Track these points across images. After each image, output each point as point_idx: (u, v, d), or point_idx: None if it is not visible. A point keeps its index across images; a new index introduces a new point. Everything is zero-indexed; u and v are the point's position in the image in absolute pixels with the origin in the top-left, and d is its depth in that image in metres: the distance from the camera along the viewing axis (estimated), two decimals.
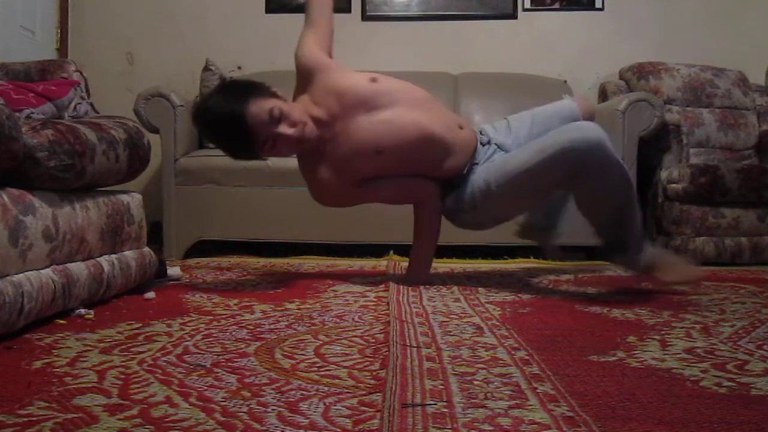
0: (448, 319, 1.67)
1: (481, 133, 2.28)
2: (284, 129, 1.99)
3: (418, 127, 2.12)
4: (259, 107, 1.97)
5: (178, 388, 1.10)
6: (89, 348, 1.38)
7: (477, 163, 2.20)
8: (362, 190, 2.19)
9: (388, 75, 2.13)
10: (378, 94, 2.12)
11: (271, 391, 1.09)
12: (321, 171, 2.14)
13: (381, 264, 2.93)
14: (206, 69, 3.42)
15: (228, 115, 1.96)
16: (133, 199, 2.11)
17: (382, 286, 2.19)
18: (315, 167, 2.15)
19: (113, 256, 1.95)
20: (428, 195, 2.23)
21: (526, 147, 2.10)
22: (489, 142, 2.25)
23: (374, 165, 2.13)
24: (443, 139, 2.15)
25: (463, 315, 1.73)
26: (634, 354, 1.34)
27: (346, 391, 1.10)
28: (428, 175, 2.21)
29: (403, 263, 2.42)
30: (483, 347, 1.38)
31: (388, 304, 1.87)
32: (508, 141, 2.25)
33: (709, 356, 1.33)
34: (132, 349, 1.37)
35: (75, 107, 2.28)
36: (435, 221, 2.27)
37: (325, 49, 2.20)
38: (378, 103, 2.11)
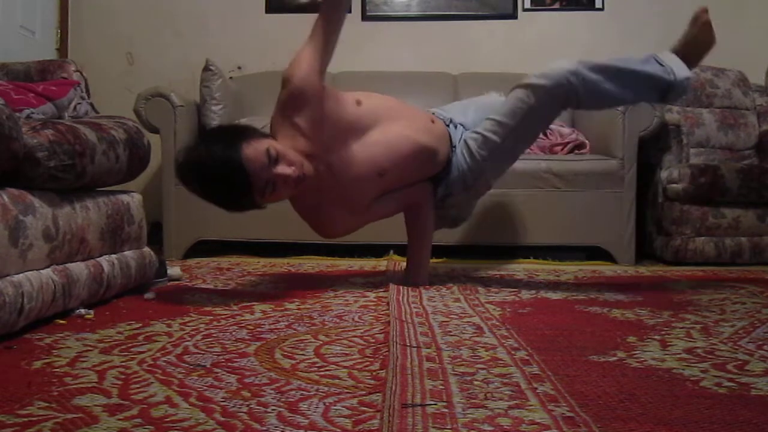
0: (448, 319, 1.67)
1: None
2: (284, 169, 1.86)
3: (406, 139, 2.11)
4: (255, 149, 1.83)
5: (178, 388, 1.11)
6: (89, 348, 1.38)
7: (455, 146, 2.23)
8: (370, 211, 2.16)
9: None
10: (362, 116, 2.07)
11: (271, 391, 1.09)
12: (326, 206, 2.08)
13: (381, 264, 2.93)
14: (206, 69, 3.42)
15: (225, 164, 1.80)
16: (133, 199, 2.11)
17: (382, 286, 2.19)
18: (318, 204, 2.08)
19: (113, 256, 1.95)
20: (425, 197, 2.24)
21: (501, 104, 2.18)
22: (452, 122, 2.29)
23: (378, 187, 2.11)
24: (428, 143, 2.15)
25: (463, 315, 1.73)
26: (634, 354, 1.34)
27: (346, 391, 1.10)
28: (424, 177, 2.22)
29: (403, 263, 2.42)
30: (483, 347, 1.38)
31: (388, 304, 1.87)
32: (465, 120, 2.32)
33: (709, 356, 1.33)
34: (132, 349, 1.37)
35: (75, 107, 2.28)
36: (431, 221, 2.27)
37: (324, 74, 2.03)
38: (363, 124, 2.06)
